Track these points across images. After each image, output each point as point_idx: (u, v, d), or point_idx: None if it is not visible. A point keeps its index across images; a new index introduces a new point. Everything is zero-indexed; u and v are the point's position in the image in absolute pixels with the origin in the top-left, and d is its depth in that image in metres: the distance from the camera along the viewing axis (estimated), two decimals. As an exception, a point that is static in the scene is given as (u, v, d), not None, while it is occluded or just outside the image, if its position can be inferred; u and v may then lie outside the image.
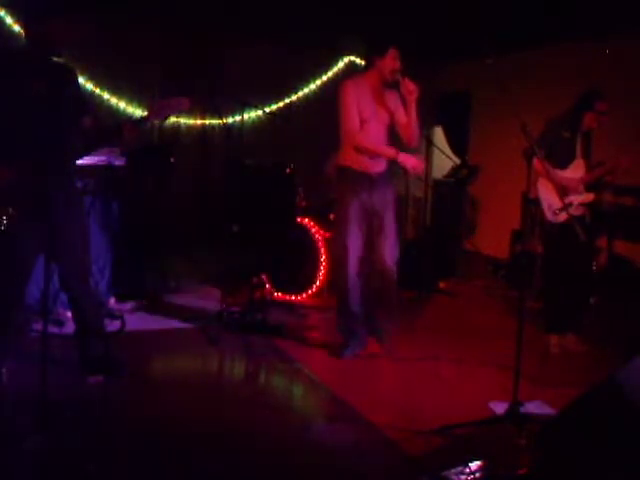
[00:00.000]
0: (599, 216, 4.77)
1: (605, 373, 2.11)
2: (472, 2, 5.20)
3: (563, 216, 3.98)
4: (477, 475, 2.39)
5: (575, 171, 4.12)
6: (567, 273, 4.11)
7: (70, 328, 3.45)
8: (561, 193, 3.87)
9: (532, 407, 2.95)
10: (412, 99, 3.58)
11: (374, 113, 3.68)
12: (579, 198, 4.12)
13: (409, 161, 3.62)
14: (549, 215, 4.07)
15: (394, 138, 3.82)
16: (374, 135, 3.68)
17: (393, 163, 3.79)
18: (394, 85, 3.70)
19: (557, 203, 3.97)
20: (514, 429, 2.73)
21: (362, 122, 3.64)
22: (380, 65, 3.65)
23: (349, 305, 3.79)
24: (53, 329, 3.67)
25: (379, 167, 3.76)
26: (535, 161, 2.99)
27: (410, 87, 3.55)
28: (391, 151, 3.67)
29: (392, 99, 3.77)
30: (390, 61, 3.60)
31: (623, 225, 5.29)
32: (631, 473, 1.89)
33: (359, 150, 3.66)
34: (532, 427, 2.66)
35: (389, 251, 3.79)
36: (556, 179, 3.88)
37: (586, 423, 2.03)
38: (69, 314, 3.53)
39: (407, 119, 3.69)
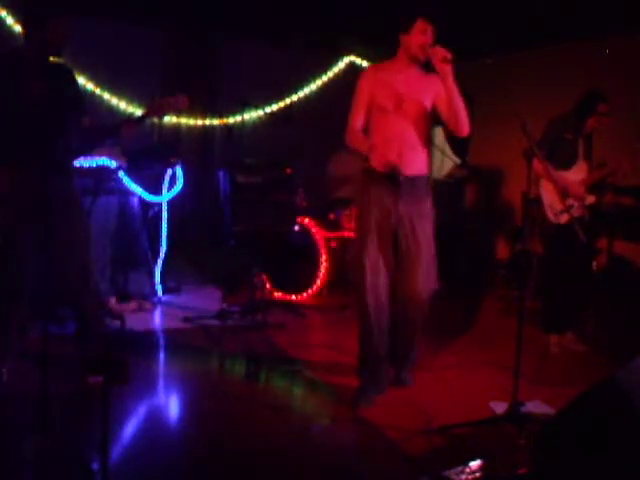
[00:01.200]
0: (599, 216, 4.77)
1: (605, 373, 2.11)
2: (472, 2, 5.19)
3: (565, 217, 3.98)
4: (477, 475, 2.39)
5: (578, 173, 4.12)
6: (567, 273, 4.11)
7: (70, 328, 3.46)
8: (562, 195, 3.87)
9: (532, 407, 2.95)
10: (447, 70, 2.91)
11: (398, 102, 3.09)
12: (580, 201, 4.12)
13: (377, 161, 2.97)
14: (551, 216, 4.07)
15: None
16: (395, 128, 3.10)
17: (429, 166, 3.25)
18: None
19: (559, 205, 3.97)
20: (514, 429, 2.73)
21: (383, 113, 3.11)
22: (407, 43, 3.08)
23: (370, 337, 3.18)
24: (53, 329, 3.67)
25: (410, 169, 3.09)
26: (536, 162, 2.98)
27: (440, 54, 2.89)
28: (364, 147, 3.07)
29: (433, 84, 3.12)
30: (418, 36, 3.03)
31: (623, 225, 5.29)
32: (631, 473, 1.89)
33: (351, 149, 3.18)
34: (532, 427, 2.66)
35: (420, 276, 3.13)
36: (558, 181, 3.88)
37: (586, 423, 2.03)
38: (70, 313, 3.53)
39: (446, 99, 3.02)
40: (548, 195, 4.06)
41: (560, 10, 5.02)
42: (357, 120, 3.18)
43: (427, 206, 3.19)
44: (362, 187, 3.21)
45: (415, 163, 3.13)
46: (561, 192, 3.87)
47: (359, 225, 3.25)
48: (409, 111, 3.12)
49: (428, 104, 3.15)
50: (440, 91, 3.07)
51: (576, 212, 4.03)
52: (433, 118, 3.22)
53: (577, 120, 4.08)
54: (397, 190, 3.06)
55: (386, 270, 3.15)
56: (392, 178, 3.05)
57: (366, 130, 3.22)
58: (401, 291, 3.19)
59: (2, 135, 2.93)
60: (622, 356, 2.41)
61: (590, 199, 4.17)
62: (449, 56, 2.88)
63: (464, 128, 3.07)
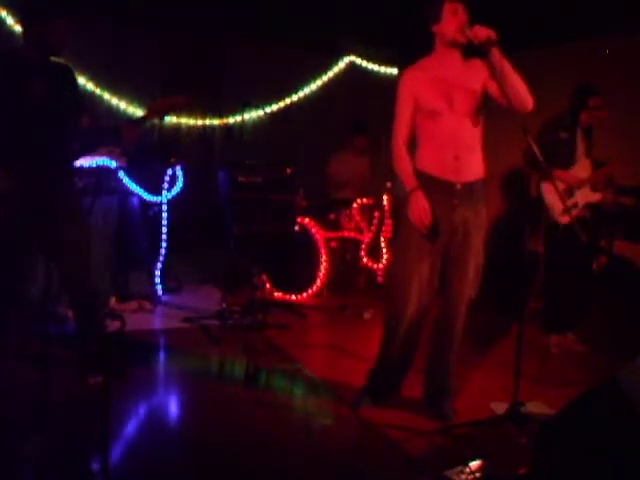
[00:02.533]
0: (600, 216, 4.77)
1: (605, 373, 2.11)
2: (471, 2, 5.20)
3: (566, 217, 3.98)
4: (477, 475, 2.39)
5: (580, 171, 4.11)
6: (567, 274, 4.11)
7: (70, 328, 3.46)
8: (564, 195, 3.87)
9: (532, 407, 2.95)
10: (493, 50, 2.60)
11: (448, 98, 2.78)
12: (586, 198, 4.12)
13: (414, 209, 2.74)
14: (554, 216, 4.05)
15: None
16: (448, 131, 2.79)
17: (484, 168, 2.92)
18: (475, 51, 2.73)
19: (559, 205, 3.97)
20: (514, 429, 2.73)
21: (432, 117, 2.80)
22: (441, 31, 2.79)
23: (391, 350, 3.02)
24: (53, 329, 3.67)
25: (468, 174, 2.81)
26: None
27: (483, 35, 2.58)
28: (408, 185, 2.80)
29: (480, 68, 2.83)
30: (450, 19, 2.74)
31: (623, 225, 5.29)
32: (631, 473, 1.89)
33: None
34: (532, 427, 2.66)
35: (462, 290, 2.92)
36: (566, 180, 3.87)
37: (586, 423, 2.02)
38: (70, 313, 3.53)
39: (499, 80, 2.65)
40: (549, 196, 4.05)
41: (560, 10, 5.02)
42: (402, 133, 2.88)
43: (483, 214, 2.89)
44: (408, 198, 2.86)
45: (473, 166, 2.85)
46: (563, 192, 3.87)
47: (404, 239, 2.94)
48: (461, 105, 2.80)
49: (479, 90, 2.83)
50: (488, 74, 2.79)
51: (577, 212, 4.03)
52: (484, 108, 2.89)
53: (570, 117, 4.09)
54: (452, 198, 2.79)
55: (431, 288, 2.92)
56: (447, 185, 2.79)
57: (414, 136, 2.95)
58: (444, 297, 2.98)
59: (2, 135, 2.93)
60: (622, 356, 2.42)
61: (596, 197, 4.16)
62: (493, 36, 2.58)
63: (528, 102, 2.71)
